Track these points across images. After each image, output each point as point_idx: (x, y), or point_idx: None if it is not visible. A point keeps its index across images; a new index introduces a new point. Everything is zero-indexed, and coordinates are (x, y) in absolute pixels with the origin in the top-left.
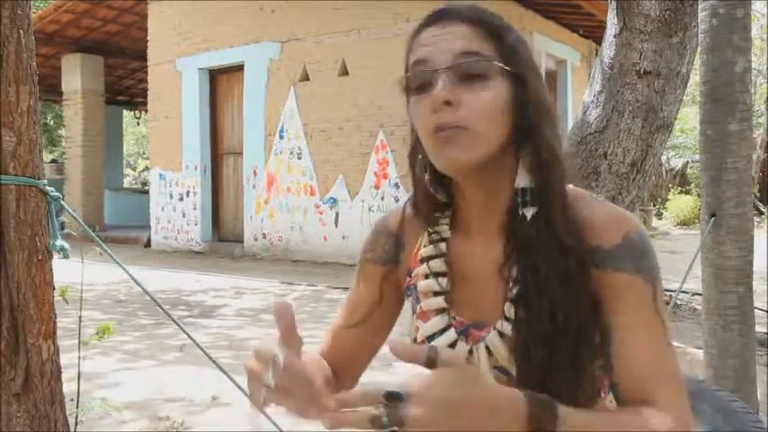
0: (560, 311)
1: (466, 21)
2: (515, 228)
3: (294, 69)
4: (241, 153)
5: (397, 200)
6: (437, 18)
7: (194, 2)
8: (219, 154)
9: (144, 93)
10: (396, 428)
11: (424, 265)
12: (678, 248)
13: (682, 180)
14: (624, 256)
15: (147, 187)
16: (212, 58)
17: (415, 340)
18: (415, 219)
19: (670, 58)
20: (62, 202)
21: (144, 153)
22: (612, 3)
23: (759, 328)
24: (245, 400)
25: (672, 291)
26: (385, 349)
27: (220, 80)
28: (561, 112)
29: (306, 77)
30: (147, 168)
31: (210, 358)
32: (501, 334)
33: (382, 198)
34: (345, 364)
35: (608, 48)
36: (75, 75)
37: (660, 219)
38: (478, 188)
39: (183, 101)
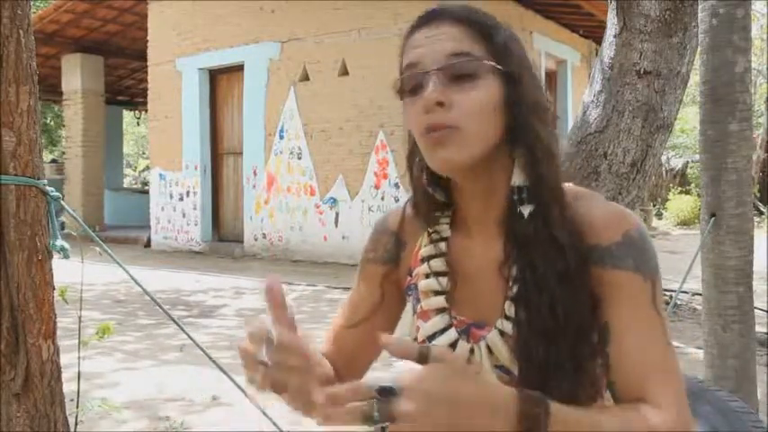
0: (560, 309)
1: (456, 21)
2: (514, 226)
3: (294, 69)
4: (241, 153)
5: (397, 200)
6: (428, 19)
7: (194, 2)
8: (219, 154)
9: (144, 93)
10: (387, 423)
11: (425, 264)
12: (678, 248)
13: (682, 180)
14: (624, 253)
15: (147, 187)
16: (212, 58)
17: (416, 340)
18: (416, 218)
19: (670, 58)
20: (62, 202)
21: (144, 153)
22: (612, 3)
23: (759, 328)
24: (245, 400)
25: (672, 291)
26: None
27: (220, 80)
28: (561, 112)
29: (306, 77)
30: (147, 168)
31: (210, 358)
32: (501, 333)
33: (382, 198)
34: (347, 364)
35: (608, 48)
36: (75, 75)
37: (660, 219)
38: (475, 187)
39: (183, 101)
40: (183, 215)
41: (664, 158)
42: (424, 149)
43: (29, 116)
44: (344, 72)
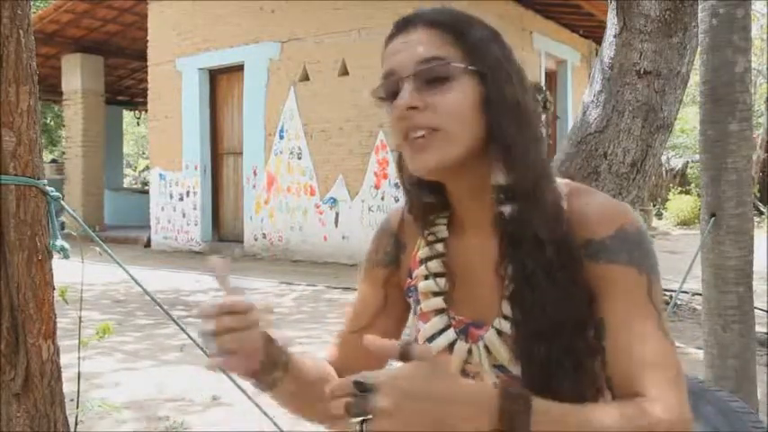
0: (551, 307)
1: (428, 25)
2: (502, 225)
3: (294, 69)
4: (241, 153)
5: (397, 200)
6: (402, 26)
7: (194, 2)
8: (219, 154)
9: (144, 93)
10: (365, 418)
11: (423, 266)
12: (678, 248)
13: (682, 180)
14: (618, 248)
15: (147, 187)
16: (212, 58)
17: (416, 341)
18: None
19: (670, 58)
20: (62, 202)
21: (144, 153)
22: (612, 3)
23: (759, 328)
24: (245, 400)
25: (672, 291)
26: None
27: (220, 80)
28: (561, 112)
29: (306, 77)
30: (147, 168)
31: None
32: (499, 332)
33: (382, 198)
34: (354, 370)
35: (608, 48)
36: (75, 75)
37: (660, 219)
38: (461, 188)
39: (183, 101)
40: (183, 215)
41: (664, 158)
42: (406, 156)
43: (29, 116)
44: (344, 72)
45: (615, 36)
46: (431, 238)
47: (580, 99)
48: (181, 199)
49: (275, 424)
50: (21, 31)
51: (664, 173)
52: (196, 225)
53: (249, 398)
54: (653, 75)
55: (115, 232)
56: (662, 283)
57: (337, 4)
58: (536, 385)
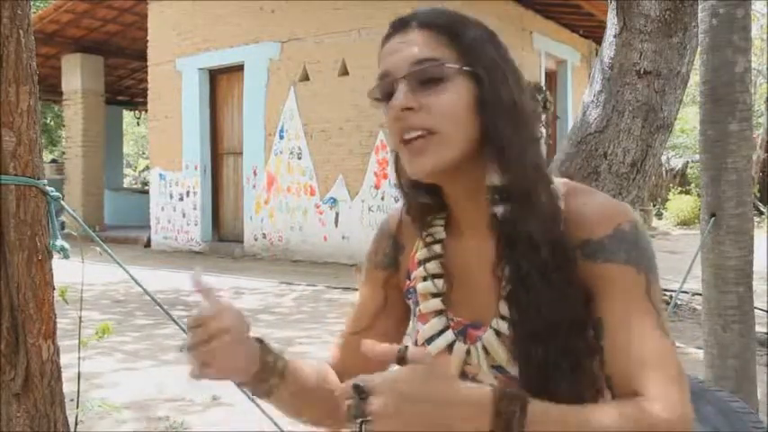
0: (548, 307)
1: (422, 26)
2: (498, 226)
3: (294, 69)
4: (241, 153)
5: (397, 200)
6: (398, 26)
7: (194, 2)
8: (219, 154)
9: (144, 93)
10: (364, 420)
11: (421, 267)
12: (678, 248)
13: (682, 180)
14: (615, 247)
15: (147, 187)
16: (212, 58)
17: (416, 342)
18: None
19: (670, 58)
20: (62, 202)
21: (144, 153)
22: (612, 3)
23: (759, 328)
24: (245, 400)
25: (672, 291)
26: None
27: (220, 80)
28: (561, 113)
29: (306, 77)
30: (147, 168)
31: None
32: (497, 333)
33: (382, 198)
34: (355, 372)
35: (608, 48)
36: (75, 75)
37: (660, 219)
38: (458, 189)
39: (183, 101)
40: (183, 215)
41: (664, 158)
42: (403, 159)
43: (29, 116)
44: (344, 72)
45: (615, 36)
46: (429, 239)
47: (580, 99)
48: (181, 199)
49: (276, 424)
50: (21, 31)
51: (664, 173)
52: (196, 225)
53: (249, 398)
54: (653, 75)
55: (115, 232)
56: (661, 282)
57: (337, 4)
58: (533, 386)
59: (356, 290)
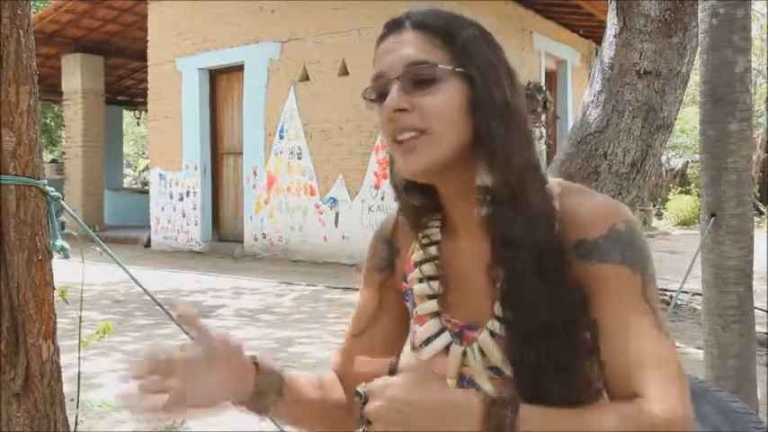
0: (542, 308)
1: (416, 27)
2: (488, 227)
3: (294, 69)
4: (241, 153)
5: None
6: (392, 27)
7: (194, 2)
8: (219, 154)
9: (144, 93)
10: (366, 425)
11: (417, 269)
12: (678, 248)
13: (682, 180)
14: (610, 247)
15: (147, 187)
16: (212, 58)
17: (413, 344)
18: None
19: (670, 58)
20: (62, 202)
21: (144, 153)
22: (612, 3)
23: (759, 328)
24: None
25: (672, 291)
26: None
27: (220, 80)
28: (561, 112)
29: (306, 77)
30: (147, 168)
31: None
32: (493, 334)
33: (382, 198)
34: (356, 376)
35: (608, 48)
36: (75, 75)
37: (660, 219)
38: (451, 190)
39: (183, 101)
40: (183, 215)
41: (664, 158)
42: (396, 159)
43: (29, 116)
44: (344, 72)
45: (615, 36)
46: (424, 241)
47: (580, 99)
48: (181, 199)
49: (276, 423)
50: (21, 31)
51: (664, 173)
52: (196, 225)
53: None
54: (653, 75)
55: (115, 232)
56: (661, 282)
57: (337, 4)
58: (527, 387)
59: (356, 290)
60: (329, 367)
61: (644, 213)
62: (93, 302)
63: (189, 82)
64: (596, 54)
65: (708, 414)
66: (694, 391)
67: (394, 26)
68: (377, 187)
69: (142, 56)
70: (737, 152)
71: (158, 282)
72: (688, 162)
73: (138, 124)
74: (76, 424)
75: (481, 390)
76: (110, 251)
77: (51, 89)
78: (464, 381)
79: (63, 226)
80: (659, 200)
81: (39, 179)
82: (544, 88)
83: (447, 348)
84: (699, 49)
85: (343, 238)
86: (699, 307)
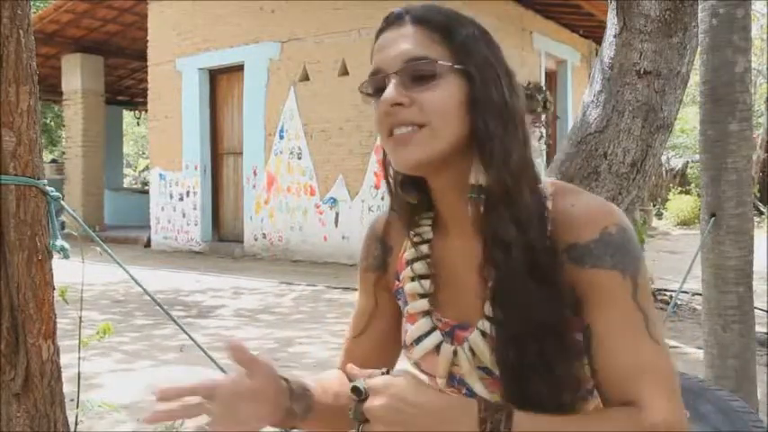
0: (530, 309)
1: (415, 22)
2: (480, 225)
3: (294, 69)
4: (241, 153)
5: None
6: (391, 21)
7: (194, 2)
8: (219, 154)
9: (144, 93)
10: (362, 422)
11: (409, 267)
12: (678, 248)
13: (682, 180)
14: (601, 251)
15: (147, 187)
16: (212, 58)
17: (405, 343)
18: (400, 222)
19: (670, 58)
20: (62, 202)
21: (144, 153)
22: (612, 3)
23: (759, 328)
24: None
25: (672, 291)
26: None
27: (220, 80)
28: (561, 112)
29: (306, 77)
30: (147, 168)
31: (212, 359)
32: (483, 333)
33: (382, 198)
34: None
35: (608, 48)
36: (75, 75)
37: (660, 219)
38: (445, 187)
39: (183, 101)
40: (183, 215)
41: (664, 158)
42: (389, 151)
43: (29, 116)
44: (344, 72)
45: (615, 36)
46: (416, 239)
47: (580, 99)
48: (181, 199)
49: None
50: (21, 31)
51: (664, 173)
52: (196, 225)
53: None
54: (653, 75)
55: (115, 232)
56: (661, 282)
57: (337, 4)
58: (516, 387)
59: (356, 290)
60: (335, 368)
61: (644, 213)
62: (92, 302)
63: (189, 82)
64: (596, 54)
65: (708, 413)
66: (694, 390)
67: (393, 20)
68: (377, 187)
69: (142, 56)
70: (737, 152)
71: (158, 282)
72: (688, 162)
73: (138, 124)
74: (76, 424)
75: (472, 390)
76: (110, 251)
77: (51, 89)
78: (454, 380)
79: (63, 226)
80: (659, 200)
81: (39, 179)
82: (544, 88)
83: (438, 347)
84: (699, 49)
85: (343, 238)
86: (699, 307)
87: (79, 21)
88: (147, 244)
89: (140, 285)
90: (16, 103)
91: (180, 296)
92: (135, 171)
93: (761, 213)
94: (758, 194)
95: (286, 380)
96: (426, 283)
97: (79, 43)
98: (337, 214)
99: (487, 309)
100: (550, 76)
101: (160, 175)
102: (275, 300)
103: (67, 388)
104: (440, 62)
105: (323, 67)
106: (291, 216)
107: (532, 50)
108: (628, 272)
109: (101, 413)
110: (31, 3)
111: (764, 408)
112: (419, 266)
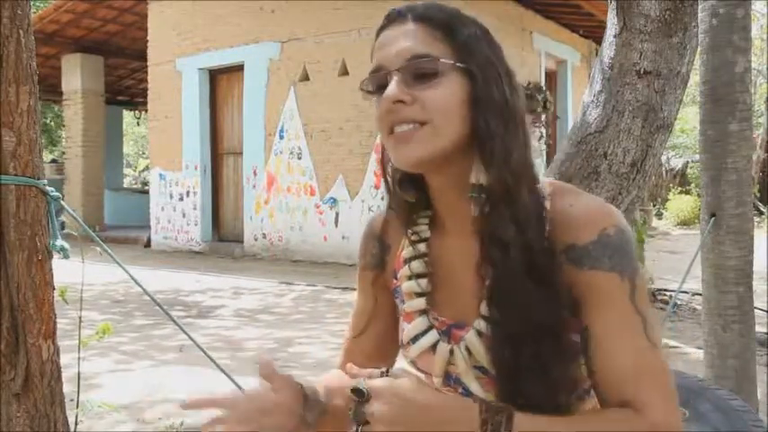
0: (527, 309)
1: (417, 20)
2: (479, 224)
3: (294, 69)
4: (241, 153)
5: None
6: (392, 19)
7: (194, 2)
8: (219, 154)
9: (144, 93)
10: (362, 423)
11: (406, 266)
12: (678, 248)
13: (682, 180)
14: (599, 253)
15: (147, 187)
16: (212, 58)
17: (401, 341)
18: (398, 220)
19: (670, 58)
20: (62, 202)
21: (144, 153)
22: (612, 3)
23: (759, 328)
24: None
25: (672, 291)
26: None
27: (220, 80)
28: (561, 112)
29: (306, 77)
30: (147, 168)
31: (211, 359)
32: (479, 333)
33: (382, 198)
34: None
35: (608, 48)
36: (75, 75)
37: (660, 219)
38: (445, 185)
39: (183, 101)
40: (183, 215)
41: (664, 158)
42: (390, 148)
43: (29, 116)
44: (344, 72)
45: (615, 36)
46: (414, 237)
47: (580, 99)
48: (181, 199)
49: None
50: (21, 31)
51: (664, 173)
52: (196, 225)
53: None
54: (653, 75)
55: (115, 232)
56: (661, 282)
57: (337, 4)
58: (511, 387)
59: (355, 290)
60: (335, 368)
61: (644, 213)
62: (92, 302)
63: (189, 82)
64: (596, 54)
65: (707, 412)
66: (694, 390)
67: (395, 17)
68: (377, 187)
69: (142, 56)
70: (737, 152)
71: (158, 282)
72: (688, 162)
73: (138, 124)
74: (76, 424)
75: (468, 389)
76: (110, 251)
77: (51, 89)
78: (450, 379)
79: (63, 226)
80: (659, 200)
81: (39, 179)
82: (544, 88)
83: (434, 346)
84: (699, 49)
85: (343, 238)
86: (699, 307)
87: (79, 21)
88: (147, 244)
89: (140, 285)
90: (16, 103)
91: (180, 296)
92: (135, 171)
93: (761, 213)
94: (758, 194)
95: (301, 386)
96: (423, 282)
97: (79, 43)
98: (337, 214)
99: (484, 308)
100: (550, 76)
101: (160, 175)
102: (275, 300)
103: (67, 388)
104: (442, 60)
105: (323, 67)
106: (291, 216)
107: (532, 50)
108: (626, 273)
109: (100, 413)
110: (31, 3)
111: (764, 408)
112: (416, 265)
